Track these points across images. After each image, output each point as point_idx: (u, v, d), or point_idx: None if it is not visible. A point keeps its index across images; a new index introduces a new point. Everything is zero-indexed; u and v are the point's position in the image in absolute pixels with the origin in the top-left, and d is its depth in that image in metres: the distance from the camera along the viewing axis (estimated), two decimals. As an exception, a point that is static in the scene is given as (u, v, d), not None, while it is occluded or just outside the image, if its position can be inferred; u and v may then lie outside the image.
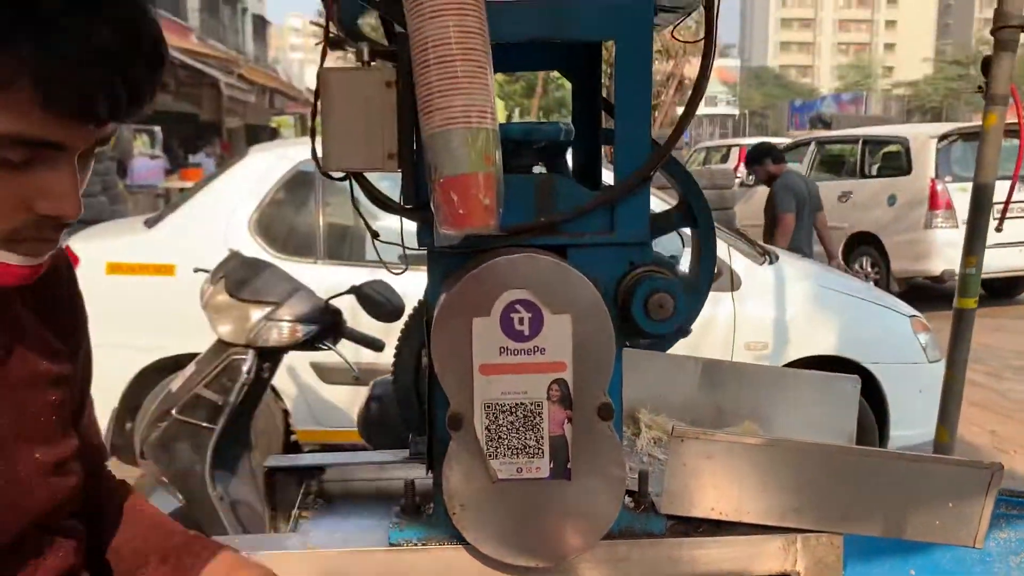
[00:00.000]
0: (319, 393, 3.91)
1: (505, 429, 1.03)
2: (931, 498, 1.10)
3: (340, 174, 1.06)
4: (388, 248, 1.20)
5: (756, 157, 6.46)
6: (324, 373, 3.88)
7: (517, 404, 1.02)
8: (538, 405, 1.02)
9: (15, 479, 0.83)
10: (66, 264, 0.98)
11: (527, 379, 1.02)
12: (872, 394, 3.84)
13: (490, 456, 1.03)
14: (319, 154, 1.04)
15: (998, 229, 2.72)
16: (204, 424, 2.56)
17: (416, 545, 1.12)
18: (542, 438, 1.03)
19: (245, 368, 2.61)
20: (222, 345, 2.66)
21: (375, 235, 1.13)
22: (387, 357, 1.55)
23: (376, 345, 2.72)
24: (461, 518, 1.04)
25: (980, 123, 2.76)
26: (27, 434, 0.85)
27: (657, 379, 1.46)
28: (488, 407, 1.02)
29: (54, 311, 0.94)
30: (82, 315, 1.00)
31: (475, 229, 0.94)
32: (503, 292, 1.00)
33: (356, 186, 1.08)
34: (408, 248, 1.11)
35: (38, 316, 0.91)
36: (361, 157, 1.02)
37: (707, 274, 1.36)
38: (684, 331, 1.17)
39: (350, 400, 3.73)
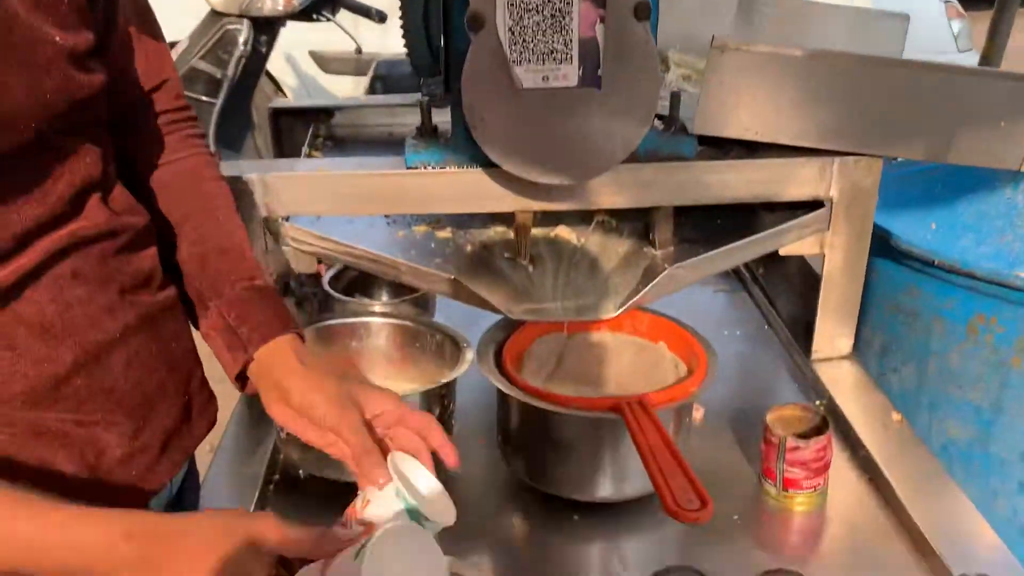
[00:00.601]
0: (320, 83, 3.78)
1: (531, 31, 0.93)
2: (981, 118, 1.03)
3: None
4: None
5: None
6: (324, 62, 3.74)
7: (545, 2, 0.92)
8: (568, 3, 0.92)
9: (34, 63, 0.75)
10: None
11: (555, -27, 0.91)
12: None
13: (514, 62, 0.94)
14: None
15: None
16: (204, 98, 2.47)
17: (434, 168, 1.07)
18: (571, 41, 0.93)
19: (241, 40, 2.47)
20: (215, 15, 2.50)
21: None
22: (388, 47, 1.41)
23: (378, 16, 2.54)
24: (482, 132, 0.97)
25: None
26: (44, 11, 0.76)
27: (689, 16, 1.35)
28: (512, 6, 0.92)
29: None
30: None
31: None
32: None
33: None
34: None
35: None
36: None
37: None
38: None
39: (352, 88, 3.61)
